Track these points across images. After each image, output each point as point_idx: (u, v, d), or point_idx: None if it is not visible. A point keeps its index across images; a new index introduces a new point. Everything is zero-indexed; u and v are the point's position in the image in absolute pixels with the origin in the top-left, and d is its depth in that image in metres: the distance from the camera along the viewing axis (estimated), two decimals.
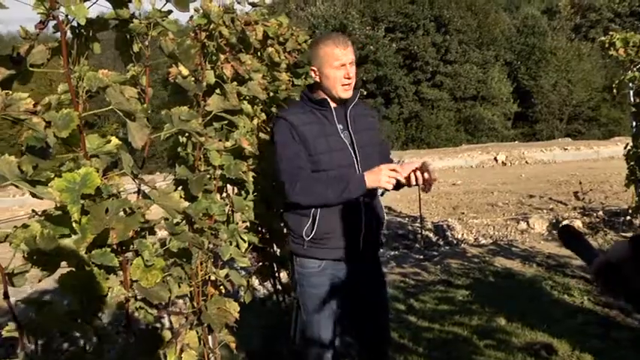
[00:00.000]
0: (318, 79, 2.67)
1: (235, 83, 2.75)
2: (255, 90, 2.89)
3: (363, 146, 2.69)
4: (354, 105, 2.74)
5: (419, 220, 8.85)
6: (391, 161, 2.81)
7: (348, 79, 2.63)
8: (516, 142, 29.47)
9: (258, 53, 3.33)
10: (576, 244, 1.53)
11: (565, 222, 8.22)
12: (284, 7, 41.22)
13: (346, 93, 2.66)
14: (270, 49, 3.35)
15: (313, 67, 2.67)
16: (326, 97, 2.68)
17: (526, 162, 18.30)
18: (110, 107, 1.62)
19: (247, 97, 2.91)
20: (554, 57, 37.80)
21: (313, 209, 2.60)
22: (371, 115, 2.89)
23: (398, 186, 2.63)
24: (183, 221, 2.32)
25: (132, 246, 1.71)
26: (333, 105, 2.68)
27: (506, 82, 37.81)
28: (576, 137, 32.45)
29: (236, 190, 3.04)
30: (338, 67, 2.61)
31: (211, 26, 2.55)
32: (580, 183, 11.47)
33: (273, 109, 3.40)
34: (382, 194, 2.91)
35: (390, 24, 37.23)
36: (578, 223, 8.14)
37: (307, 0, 41.31)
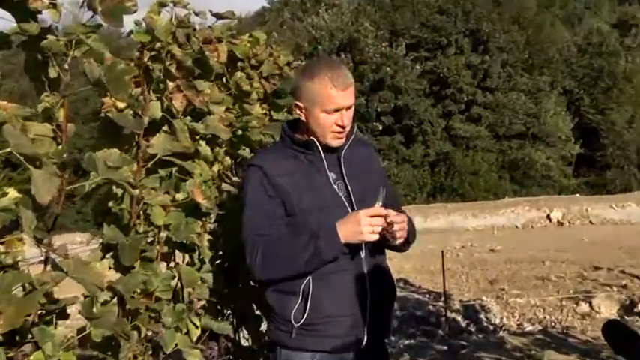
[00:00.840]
0: (303, 119, 2.69)
1: (189, 118, 2.74)
2: (215, 127, 2.88)
3: (363, 199, 2.68)
4: (348, 145, 2.76)
5: (443, 299, 8.79)
6: (401, 211, 2.82)
7: (342, 127, 2.65)
8: (577, 195, 29.40)
9: (223, 79, 3.35)
10: (628, 348, 1.48)
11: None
12: (277, 15, 41.98)
13: (337, 142, 2.69)
14: (238, 74, 3.38)
15: (299, 103, 2.68)
16: (313, 138, 2.69)
17: (590, 222, 18.22)
18: (8, 150, 1.61)
19: (206, 137, 2.90)
20: (628, 84, 38.02)
21: (304, 284, 2.59)
22: (368, 153, 2.93)
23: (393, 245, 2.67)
24: (114, 300, 2.28)
25: (30, 335, 1.67)
26: (322, 147, 2.69)
27: (564, 116, 38.02)
28: None
29: (187, 259, 2.98)
30: (331, 111, 2.62)
31: (158, 45, 2.56)
32: None
33: (242, 152, 3.41)
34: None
35: (412, 39, 37.75)
36: None
37: (307, 7, 41.90)
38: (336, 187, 2.68)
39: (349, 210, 2.64)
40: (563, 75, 39.63)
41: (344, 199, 2.67)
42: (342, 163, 2.72)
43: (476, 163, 36.52)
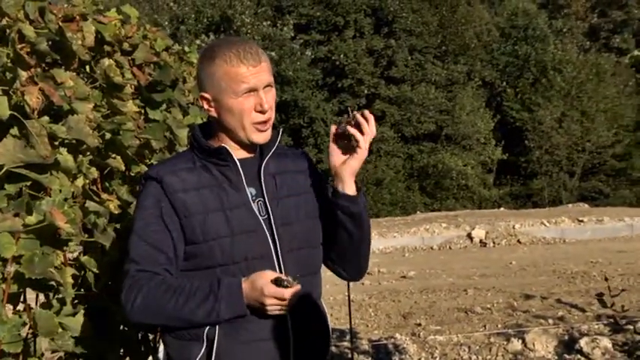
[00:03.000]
0: (214, 114, 2.72)
1: (47, 119, 2.71)
2: (80, 131, 2.86)
3: (289, 223, 2.75)
4: (272, 153, 2.79)
5: (349, 338, 8.83)
6: None
7: (263, 112, 2.67)
8: (502, 208, 30.21)
9: (87, 68, 3.39)
10: None
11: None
12: None
13: (261, 136, 2.72)
14: (106, 62, 3.37)
15: (205, 95, 2.72)
16: (225, 144, 2.72)
17: (518, 241, 18.87)
18: None
19: (67, 143, 2.87)
20: (559, 76, 39.38)
21: (208, 328, 2.61)
22: (301, 166, 2.99)
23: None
24: None
25: None
26: (238, 157, 2.71)
27: (484, 113, 39.02)
28: (597, 202, 33.53)
29: (42, 299, 2.95)
30: (246, 94, 2.64)
31: (4, 21, 2.57)
32: (606, 279, 11.77)
33: (112, 161, 3.37)
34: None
35: (302, 18, 38.05)
36: (605, 343, 8.20)
37: None
38: (255, 206, 2.72)
39: (268, 236, 2.69)
40: (483, 64, 40.51)
41: (263, 222, 2.70)
42: (263, 177, 2.75)
43: (379, 171, 36.80)
